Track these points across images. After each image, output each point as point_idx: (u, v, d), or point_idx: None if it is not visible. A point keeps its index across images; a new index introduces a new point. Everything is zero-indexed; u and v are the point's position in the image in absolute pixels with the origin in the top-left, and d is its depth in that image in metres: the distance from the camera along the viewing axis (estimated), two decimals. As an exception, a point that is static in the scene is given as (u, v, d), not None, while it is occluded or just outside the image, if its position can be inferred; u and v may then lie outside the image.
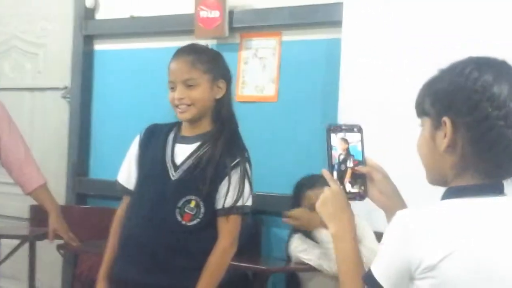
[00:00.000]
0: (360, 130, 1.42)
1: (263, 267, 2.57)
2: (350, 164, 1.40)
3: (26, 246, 3.22)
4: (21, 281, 3.40)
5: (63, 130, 3.84)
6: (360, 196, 1.42)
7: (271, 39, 3.21)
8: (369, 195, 1.42)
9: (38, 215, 3.26)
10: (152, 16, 3.56)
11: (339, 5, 2.89)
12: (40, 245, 3.25)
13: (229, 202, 2.05)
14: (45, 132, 3.96)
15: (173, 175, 2.06)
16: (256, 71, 3.23)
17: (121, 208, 2.21)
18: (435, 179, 1.29)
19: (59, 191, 3.61)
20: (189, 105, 2.05)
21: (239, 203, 2.06)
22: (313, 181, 2.70)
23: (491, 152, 1.19)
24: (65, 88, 3.85)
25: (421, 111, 1.29)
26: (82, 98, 3.78)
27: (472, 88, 1.19)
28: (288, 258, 2.69)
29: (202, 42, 3.00)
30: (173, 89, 2.08)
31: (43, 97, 4.01)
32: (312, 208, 2.66)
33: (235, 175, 2.05)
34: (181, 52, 2.12)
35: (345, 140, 1.40)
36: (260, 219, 2.75)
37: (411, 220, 1.19)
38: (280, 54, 3.18)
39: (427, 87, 1.28)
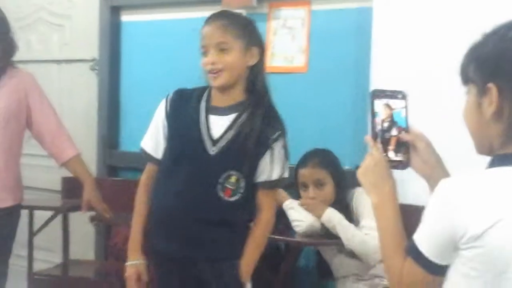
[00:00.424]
0: (404, 96, 1.39)
1: (296, 240, 2.56)
2: (394, 131, 1.37)
3: (59, 218, 3.27)
4: (56, 253, 3.46)
5: (92, 102, 3.84)
6: (403, 165, 1.39)
7: (300, 9, 3.16)
8: (412, 164, 1.39)
9: (71, 187, 3.30)
10: (179, -14, 3.53)
11: (370, -27, 2.83)
12: (74, 217, 3.29)
13: (273, 176, 2.05)
14: (73, 104, 3.96)
15: (212, 150, 2.04)
16: (285, 42, 3.18)
17: (146, 176, 2.18)
18: (482, 148, 1.26)
19: (89, 164, 3.60)
20: (221, 70, 2.01)
21: (280, 177, 2.06)
22: (306, 159, 2.69)
23: None
24: (93, 60, 3.85)
25: (465, 78, 1.26)
26: (110, 70, 3.76)
27: None
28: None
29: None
30: (205, 54, 2.04)
31: (70, 69, 4.01)
32: (302, 186, 2.67)
33: (277, 149, 2.04)
34: (214, 16, 2.08)
35: (389, 106, 1.37)
36: (290, 192, 2.74)
37: (455, 188, 1.17)
38: (309, 24, 3.13)
39: (471, 53, 1.25)
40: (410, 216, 1.38)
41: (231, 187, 2.03)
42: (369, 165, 1.36)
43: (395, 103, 1.38)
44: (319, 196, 2.62)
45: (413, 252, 1.22)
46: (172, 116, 2.11)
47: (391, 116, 1.37)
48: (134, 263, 2.13)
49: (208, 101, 2.10)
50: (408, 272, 1.23)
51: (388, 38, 2.76)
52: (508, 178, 1.17)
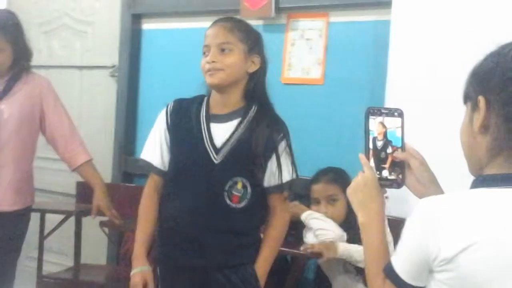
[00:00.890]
0: (401, 114, 1.38)
1: (301, 252, 2.54)
2: (388, 149, 1.37)
3: (73, 222, 3.29)
4: (68, 257, 3.48)
5: (111, 108, 3.88)
6: (397, 184, 1.38)
7: (318, 20, 3.15)
8: (406, 182, 1.38)
9: (85, 192, 3.30)
10: (200, -5, 3.55)
11: (388, -14, 2.82)
12: (87, 222, 3.30)
13: (283, 178, 2.04)
14: (93, 110, 4.01)
15: (215, 158, 2.02)
16: (302, 53, 3.18)
17: (149, 187, 2.15)
18: (473, 166, 1.24)
19: (106, 170, 3.66)
20: (219, 70, 1.99)
21: (291, 179, 2.06)
22: (319, 175, 2.69)
23: None
24: (113, 66, 3.88)
25: (464, 97, 1.25)
26: (130, 77, 3.79)
27: (506, 66, 1.16)
28: None
29: (248, 22, 2.98)
30: (206, 54, 2.03)
31: (91, 75, 4.05)
32: (315, 202, 2.64)
33: (283, 151, 2.04)
34: (220, 20, 2.10)
35: (382, 125, 1.37)
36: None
37: (430, 209, 1.15)
38: (327, 36, 3.12)
39: (471, 72, 1.24)
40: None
41: (238, 194, 2.02)
42: (359, 183, 1.35)
43: (391, 121, 1.37)
44: (331, 212, 2.60)
45: (390, 274, 1.21)
46: (173, 127, 2.10)
47: (384, 135, 1.37)
48: (139, 270, 2.09)
49: (207, 109, 2.08)
50: None
51: (404, 51, 2.73)
52: (484, 201, 1.14)
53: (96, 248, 3.77)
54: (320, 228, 2.55)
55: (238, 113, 2.05)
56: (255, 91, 2.06)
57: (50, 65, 4.10)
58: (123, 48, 3.82)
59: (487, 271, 1.09)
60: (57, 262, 3.64)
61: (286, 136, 2.06)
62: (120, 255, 3.45)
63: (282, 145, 2.04)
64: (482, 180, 1.18)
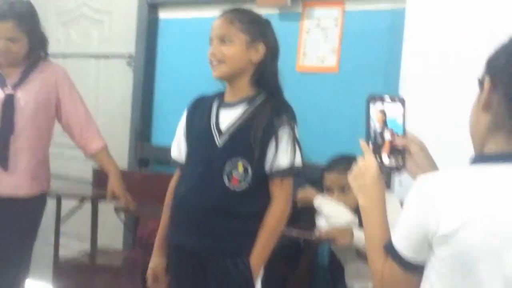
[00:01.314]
0: (402, 102, 1.41)
1: (313, 236, 2.55)
2: (388, 136, 1.39)
3: (89, 207, 3.33)
4: (84, 241, 3.52)
5: (127, 97, 3.91)
6: (397, 169, 1.41)
7: (334, 9, 3.16)
8: (406, 168, 1.41)
9: (101, 178, 3.34)
10: (216, -15, 3.56)
11: (404, -25, 2.82)
12: (103, 208, 3.35)
13: (280, 164, 2.02)
14: (110, 98, 4.05)
15: (219, 141, 2.05)
16: (318, 42, 3.19)
17: (173, 180, 2.25)
18: (477, 146, 1.27)
19: (122, 156, 3.70)
20: (220, 61, 2.05)
21: (290, 165, 2.02)
22: (334, 164, 2.68)
23: None
24: (130, 55, 3.92)
25: (479, 80, 1.29)
26: (146, 66, 3.82)
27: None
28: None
29: (264, 11, 3.01)
30: (211, 45, 2.10)
31: (108, 64, 4.09)
32: (327, 190, 2.66)
33: (283, 136, 2.02)
34: (225, 11, 2.13)
35: (383, 112, 1.40)
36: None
37: (429, 186, 1.18)
38: (342, 25, 3.13)
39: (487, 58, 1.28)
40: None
41: (238, 176, 2.01)
42: (360, 169, 1.39)
43: (392, 109, 1.40)
44: (344, 201, 2.62)
45: (391, 251, 1.23)
46: (190, 122, 2.18)
47: (384, 122, 1.40)
48: (152, 265, 2.22)
49: (221, 99, 2.14)
50: (387, 271, 1.24)
51: (419, 40, 2.74)
52: (482, 177, 1.17)
53: (112, 233, 3.81)
54: (333, 213, 2.56)
55: (246, 101, 2.08)
56: (263, 79, 2.08)
57: (67, 54, 4.14)
58: (139, 38, 3.85)
59: (483, 247, 1.12)
60: (74, 247, 3.69)
61: (289, 122, 2.03)
62: (136, 239, 3.49)
63: (283, 131, 2.02)
64: (480, 157, 1.22)
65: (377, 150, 1.39)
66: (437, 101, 2.64)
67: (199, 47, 3.61)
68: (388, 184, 2.62)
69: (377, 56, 3.01)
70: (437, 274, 1.18)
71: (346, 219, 2.54)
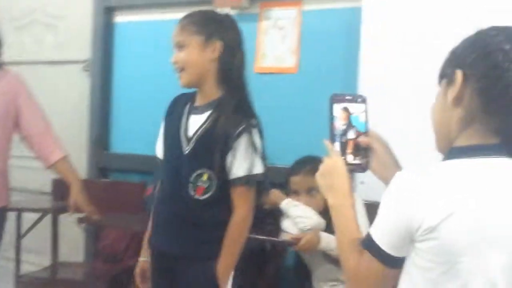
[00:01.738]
0: (364, 100, 1.41)
1: (279, 240, 2.53)
2: (352, 135, 1.39)
3: (49, 220, 3.25)
4: (45, 255, 3.44)
5: (84, 103, 3.83)
6: (361, 168, 1.41)
7: (291, 9, 3.13)
8: (370, 166, 1.42)
9: (61, 189, 3.26)
10: (173, -14, 3.52)
11: (359, -27, 2.81)
12: (63, 219, 3.27)
13: (238, 172, 2.00)
14: (66, 105, 3.95)
15: (186, 149, 2.04)
16: (276, 42, 3.16)
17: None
18: (442, 142, 1.27)
19: (80, 165, 3.61)
20: (182, 69, 2.04)
21: (249, 173, 2.00)
22: (299, 166, 2.66)
23: (497, 103, 1.18)
24: (86, 61, 3.84)
25: (440, 76, 1.28)
26: (103, 71, 3.75)
27: (485, 41, 1.20)
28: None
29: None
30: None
31: (64, 71, 4.00)
32: (293, 194, 2.64)
33: (240, 144, 1.99)
34: (181, 18, 2.11)
35: (346, 110, 1.39)
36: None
37: (410, 180, 1.18)
38: (300, 25, 3.11)
39: (449, 52, 1.28)
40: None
41: (203, 185, 2.01)
42: (326, 168, 1.38)
43: (355, 107, 1.40)
44: (310, 203, 2.59)
45: (370, 245, 1.22)
46: (166, 121, 2.16)
47: (348, 120, 1.40)
48: (139, 264, 2.22)
49: (193, 102, 2.11)
50: (364, 266, 1.23)
51: (376, 38, 2.73)
52: (462, 171, 1.18)
53: (73, 246, 3.73)
54: (299, 216, 2.54)
55: (212, 104, 2.05)
56: (227, 76, 2.05)
57: (21, 61, 4.03)
58: (95, 42, 3.78)
59: (465, 240, 1.13)
60: (35, 261, 3.60)
61: (248, 129, 2.01)
62: (97, 251, 3.42)
63: (242, 138, 1.99)
64: (456, 152, 1.21)
65: (342, 149, 1.39)
66: (396, 97, 2.64)
67: (157, 50, 3.58)
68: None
69: (336, 55, 3.00)
70: (418, 268, 1.18)
71: (313, 222, 2.52)
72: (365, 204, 2.44)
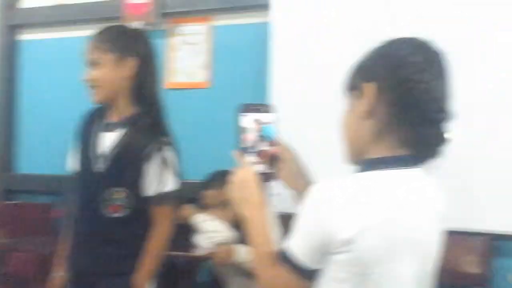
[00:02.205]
0: (273, 110, 1.40)
1: (191, 254, 2.52)
2: (263, 145, 1.38)
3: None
4: None
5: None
6: (272, 177, 1.39)
7: (201, 25, 3.15)
8: (280, 175, 1.41)
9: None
10: (79, 3, 3.46)
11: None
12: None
13: (150, 191, 2.01)
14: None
15: (97, 167, 2.02)
16: (187, 58, 3.17)
17: None
18: (354, 153, 1.28)
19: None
20: (96, 87, 2.02)
21: (160, 191, 2.01)
22: (211, 180, 2.68)
23: (409, 115, 1.19)
24: (-11, 80, 3.70)
25: (348, 88, 1.29)
26: (7, 91, 3.64)
27: (395, 54, 1.22)
28: None
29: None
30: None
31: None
32: (208, 207, 2.65)
33: (152, 163, 2.00)
34: (94, 34, 2.09)
35: (257, 121, 1.38)
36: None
37: (324, 193, 1.18)
38: (211, 40, 3.12)
39: (355, 65, 1.28)
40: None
41: (117, 203, 2.00)
42: (238, 180, 1.34)
43: (264, 117, 1.39)
44: (224, 217, 2.59)
45: (286, 258, 1.21)
46: (78, 136, 2.14)
47: (259, 130, 1.38)
48: (55, 276, 2.17)
49: (102, 118, 2.09)
50: (281, 278, 1.21)
51: (285, 52, 2.78)
52: (375, 183, 1.19)
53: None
54: (211, 230, 2.54)
55: (125, 121, 2.04)
56: (141, 94, 2.04)
57: None
58: (-1, 60, 3.65)
59: (379, 251, 1.14)
60: None
61: (162, 146, 2.02)
62: (4, 275, 3.27)
63: (153, 157, 2.00)
64: (369, 164, 1.22)
65: (253, 160, 1.37)
66: (306, 108, 2.69)
67: (64, 67, 3.50)
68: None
69: (246, 69, 3.03)
70: (335, 280, 1.17)
71: (226, 236, 2.52)
72: (281, 215, 2.45)
